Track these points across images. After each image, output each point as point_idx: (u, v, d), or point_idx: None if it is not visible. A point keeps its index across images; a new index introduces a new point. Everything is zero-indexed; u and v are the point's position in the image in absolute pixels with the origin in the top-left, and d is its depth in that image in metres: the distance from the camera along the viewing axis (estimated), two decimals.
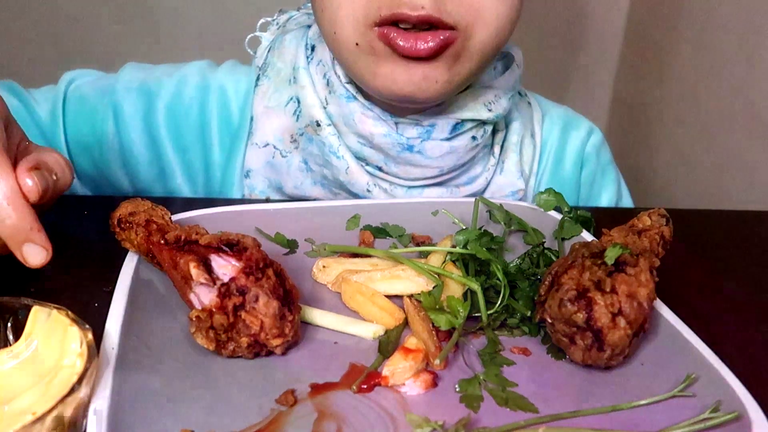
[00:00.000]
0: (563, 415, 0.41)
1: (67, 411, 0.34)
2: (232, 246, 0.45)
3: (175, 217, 0.57)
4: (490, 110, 0.73)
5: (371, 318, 0.50)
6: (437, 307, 0.50)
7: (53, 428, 0.33)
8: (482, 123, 0.74)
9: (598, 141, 0.88)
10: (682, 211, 0.77)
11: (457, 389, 0.43)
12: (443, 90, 0.65)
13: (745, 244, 0.73)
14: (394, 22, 0.60)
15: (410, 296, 0.51)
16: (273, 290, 0.44)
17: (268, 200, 0.76)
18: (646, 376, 0.46)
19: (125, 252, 0.52)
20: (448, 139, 0.73)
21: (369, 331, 0.48)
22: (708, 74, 1.28)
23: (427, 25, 0.60)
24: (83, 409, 0.36)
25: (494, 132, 0.80)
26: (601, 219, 0.66)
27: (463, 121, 0.73)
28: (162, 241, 0.48)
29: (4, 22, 1.48)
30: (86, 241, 0.60)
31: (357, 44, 0.63)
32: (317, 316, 0.49)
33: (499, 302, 0.50)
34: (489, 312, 0.50)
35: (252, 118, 0.77)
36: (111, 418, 0.36)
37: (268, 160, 0.76)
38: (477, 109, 0.73)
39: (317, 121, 0.72)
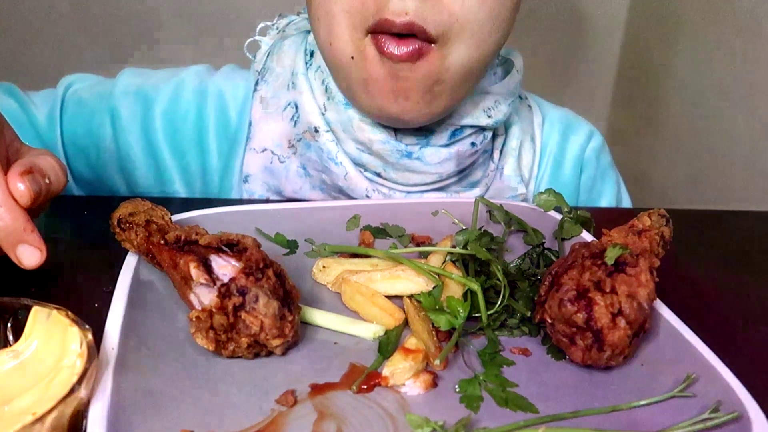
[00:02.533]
0: (563, 415, 0.41)
1: (67, 411, 0.34)
2: (232, 246, 0.45)
3: (174, 218, 0.57)
4: (489, 116, 0.73)
5: (371, 318, 0.50)
6: (437, 307, 0.50)
7: (53, 428, 0.33)
8: (481, 129, 0.74)
9: (598, 145, 0.87)
10: (682, 212, 0.77)
11: (457, 389, 0.43)
12: (427, 112, 0.66)
13: (745, 245, 0.73)
14: (383, 30, 0.61)
15: (410, 296, 0.51)
16: (273, 290, 0.44)
17: (268, 200, 0.76)
18: (646, 376, 0.46)
19: (125, 252, 0.52)
20: (447, 146, 0.73)
21: (369, 331, 0.48)
22: (708, 74, 1.28)
23: (410, 33, 0.60)
24: (83, 409, 0.36)
25: (494, 137, 0.80)
26: (601, 219, 0.66)
27: (462, 127, 0.73)
28: (162, 242, 0.48)
29: (4, 25, 1.48)
30: (86, 241, 0.60)
31: (352, 57, 0.64)
32: (317, 316, 0.49)
33: (499, 302, 0.50)
34: (489, 312, 0.50)
35: (250, 123, 0.77)
36: (111, 418, 0.36)
37: (266, 165, 0.76)
38: (476, 116, 0.73)
39: (315, 127, 0.72)
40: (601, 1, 1.59)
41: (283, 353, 0.45)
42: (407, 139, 0.72)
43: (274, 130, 0.76)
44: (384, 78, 0.63)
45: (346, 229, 0.63)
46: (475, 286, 0.50)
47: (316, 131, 0.72)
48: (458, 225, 0.63)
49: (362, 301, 0.51)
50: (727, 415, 0.40)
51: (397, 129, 0.71)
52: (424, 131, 0.72)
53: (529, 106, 0.85)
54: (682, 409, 0.42)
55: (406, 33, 0.60)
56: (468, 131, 0.73)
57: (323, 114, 0.73)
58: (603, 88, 1.68)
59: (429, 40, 0.61)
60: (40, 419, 0.32)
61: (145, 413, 0.38)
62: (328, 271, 0.55)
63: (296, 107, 0.74)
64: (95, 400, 0.37)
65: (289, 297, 0.45)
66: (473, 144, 0.74)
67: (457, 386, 0.44)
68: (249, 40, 0.82)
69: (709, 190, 1.27)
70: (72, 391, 0.34)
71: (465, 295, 0.51)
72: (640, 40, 1.56)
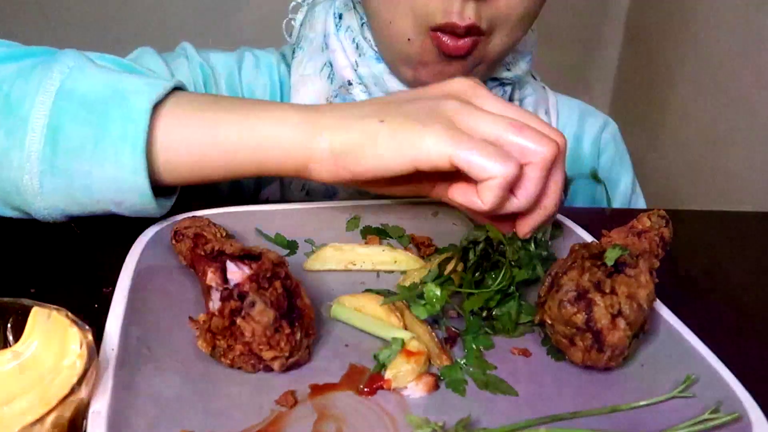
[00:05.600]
0: (563, 415, 0.41)
1: (67, 412, 0.34)
2: (252, 256, 0.45)
3: (176, 218, 0.57)
4: (509, 70, 0.79)
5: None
6: (416, 295, 0.49)
7: (53, 428, 0.33)
8: (501, 84, 0.79)
9: (614, 130, 0.91)
10: (682, 212, 0.77)
11: (441, 377, 0.44)
12: None
13: (745, 245, 0.73)
14: (446, 29, 0.65)
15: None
16: (275, 302, 0.43)
17: (267, 201, 0.76)
18: (645, 377, 0.46)
19: (125, 253, 0.52)
20: None
21: (401, 337, 0.46)
22: (708, 73, 1.28)
23: (470, 33, 0.65)
24: (83, 410, 0.36)
25: (511, 100, 0.83)
26: (602, 220, 0.66)
27: (484, 81, 0.76)
28: (201, 253, 0.49)
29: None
30: (86, 242, 0.60)
31: (409, 39, 0.68)
32: (355, 318, 0.49)
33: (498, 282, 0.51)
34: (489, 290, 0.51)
35: (290, 88, 0.81)
36: (111, 418, 0.36)
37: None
38: (497, 69, 0.77)
39: (349, 80, 0.76)
40: (602, 1, 1.59)
41: (283, 370, 0.43)
42: None
43: (312, 90, 0.79)
44: (436, 64, 0.68)
45: (346, 229, 0.63)
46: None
47: (350, 84, 0.76)
48: (458, 226, 0.63)
49: (359, 315, 0.50)
50: (727, 416, 0.40)
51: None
52: None
53: (543, 87, 0.89)
54: (682, 409, 0.42)
55: (467, 33, 0.65)
56: (489, 85, 0.77)
57: (355, 70, 0.77)
58: (602, 87, 1.68)
59: (480, 33, 0.66)
60: (40, 419, 0.32)
61: (145, 413, 0.38)
62: (317, 255, 0.57)
63: (331, 66, 0.78)
64: (95, 400, 0.37)
65: (296, 314, 0.44)
66: None
67: (439, 373, 0.44)
68: (285, 20, 0.85)
69: (710, 190, 1.27)
70: (72, 391, 0.34)
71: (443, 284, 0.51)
72: (640, 41, 1.56)
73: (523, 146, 0.49)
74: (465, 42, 0.65)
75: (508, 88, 0.81)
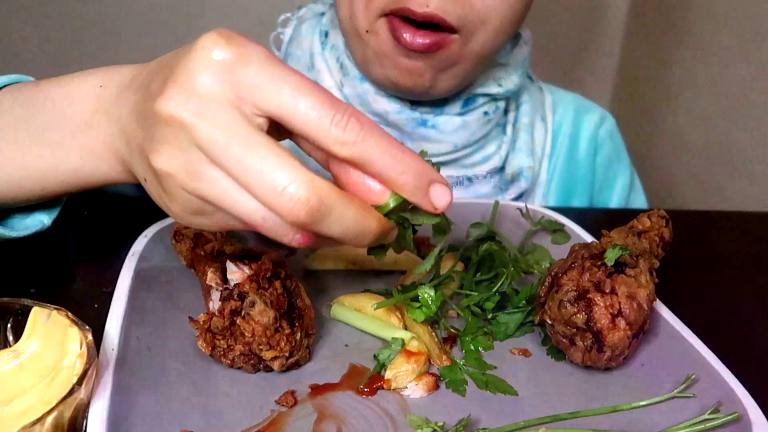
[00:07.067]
0: (563, 415, 0.41)
1: (67, 412, 0.34)
2: (252, 256, 0.45)
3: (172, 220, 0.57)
4: (500, 85, 0.76)
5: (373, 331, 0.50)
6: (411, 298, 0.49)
7: (53, 429, 0.33)
8: (493, 99, 0.77)
9: (611, 126, 0.89)
10: (682, 212, 0.77)
11: (441, 377, 0.44)
12: (439, 87, 0.68)
13: (746, 245, 0.73)
14: (402, 16, 0.63)
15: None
16: (275, 302, 0.43)
17: None
18: (646, 377, 0.46)
19: (125, 253, 0.52)
20: (460, 114, 0.75)
21: (401, 337, 0.46)
22: (709, 73, 1.28)
23: (430, 23, 0.62)
24: (83, 410, 0.36)
25: (506, 112, 0.82)
26: (602, 220, 0.66)
27: (475, 96, 0.75)
28: (201, 253, 0.49)
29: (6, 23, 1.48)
30: (86, 242, 0.60)
31: (367, 31, 0.66)
32: (353, 317, 0.49)
33: (496, 288, 0.52)
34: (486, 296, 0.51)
35: None
36: (111, 418, 0.36)
37: (291, 145, 0.77)
38: (487, 84, 0.76)
39: None
40: (602, 1, 1.59)
41: (283, 370, 0.43)
42: (422, 108, 0.74)
43: None
44: (397, 56, 0.65)
45: None
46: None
47: None
48: (457, 225, 0.63)
49: (359, 315, 0.50)
50: (727, 416, 0.40)
51: (412, 100, 0.73)
52: (437, 101, 0.74)
53: (540, 88, 0.87)
54: (682, 409, 0.42)
55: (427, 23, 0.62)
56: (480, 100, 0.76)
57: (341, 89, 0.75)
58: (602, 87, 1.68)
59: (450, 30, 0.63)
60: (40, 420, 0.32)
61: (145, 413, 0.39)
62: (317, 255, 0.57)
63: None
64: (95, 400, 0.37)
65: (296, 314, 0.44)
66: (486, 113, 0.76)
67: (439, 373, 0.44)
68: (273, 34, 0.84)
69: (711, 189, 1.27)
70: (72, 391, 0.34)
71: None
72: (641, 40, 1.56)
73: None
74: (423, 37, 0.62)
75: (502, 103, 0.78)
